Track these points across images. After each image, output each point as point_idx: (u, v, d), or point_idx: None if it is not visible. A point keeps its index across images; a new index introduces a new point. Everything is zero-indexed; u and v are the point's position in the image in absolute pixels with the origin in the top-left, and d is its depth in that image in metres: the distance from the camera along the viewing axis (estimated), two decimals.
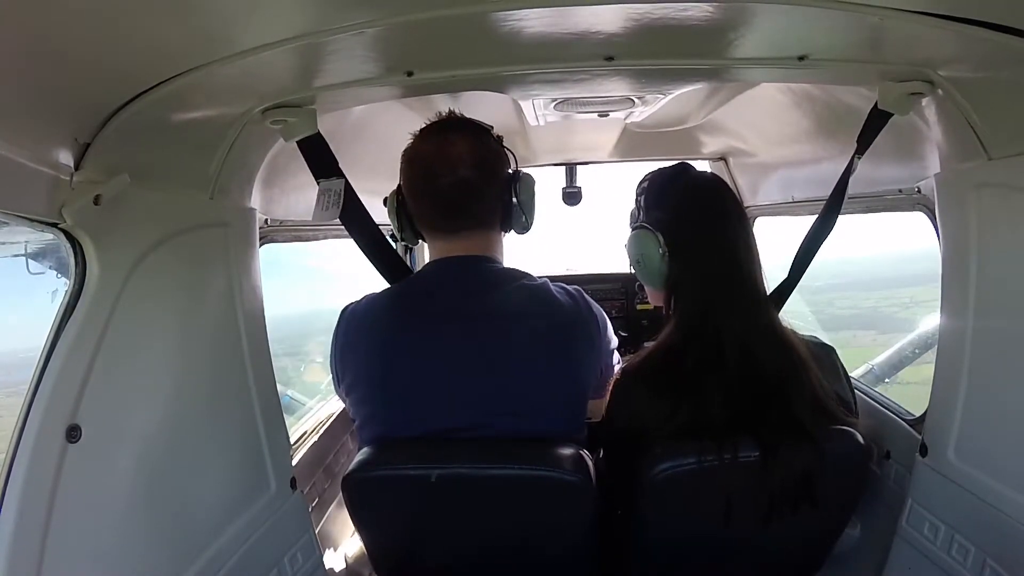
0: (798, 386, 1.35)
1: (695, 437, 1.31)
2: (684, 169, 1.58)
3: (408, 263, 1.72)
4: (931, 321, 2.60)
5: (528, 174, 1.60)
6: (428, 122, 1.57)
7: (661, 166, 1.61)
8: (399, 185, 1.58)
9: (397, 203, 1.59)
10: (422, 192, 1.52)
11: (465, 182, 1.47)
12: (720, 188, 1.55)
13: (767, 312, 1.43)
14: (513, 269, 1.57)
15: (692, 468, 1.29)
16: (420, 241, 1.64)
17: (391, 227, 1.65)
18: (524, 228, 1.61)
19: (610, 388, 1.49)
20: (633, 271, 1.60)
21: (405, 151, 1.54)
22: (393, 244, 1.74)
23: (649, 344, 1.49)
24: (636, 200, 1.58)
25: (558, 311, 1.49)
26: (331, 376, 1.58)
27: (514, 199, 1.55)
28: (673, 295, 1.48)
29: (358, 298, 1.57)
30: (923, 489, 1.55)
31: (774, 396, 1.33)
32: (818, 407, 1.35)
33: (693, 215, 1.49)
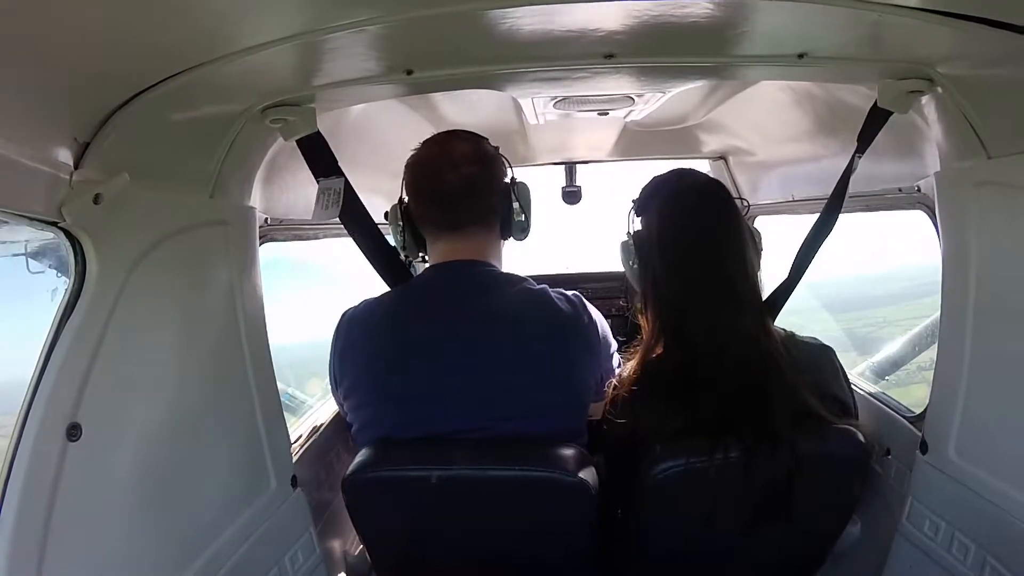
0: (776, 392, 1.34)
1: (693, 439, 1.31)
2: (669, 178, 1.55)
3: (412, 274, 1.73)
4: (909, 334, 2.62)
5: (524, 182, 1.64)
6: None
7: (659, 168, 1.60)
8: (400, 197, 1.60)
9: (400, 212, 1.61)
10: (425, 191, 1.55)
11: (468, 178, 1.51)
12: (700, 193, 1.51)
13: (749, 317, 1.41)
14: (512, 274, 1.58)
15: (691, 468, 1.29)
16: (422, 255, 1.65)
17: (393, 235, 1.66)
18: (523, 232, 1.64)
19: (610, 392, 1.49)
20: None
21: (408, 160, 1.57)
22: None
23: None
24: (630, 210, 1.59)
25: (557, 317, 1.49)
26: (329, 379, 1.59)
27: (515, 203, 1.59)
28: (650, 301, 1.48)
29: (356, 303, 1.57)
30: (923, 487, 1.55)
31: (752, 401, 1.33)
32: (801, 412, 1.35)
33: (670, 225, 1.47)
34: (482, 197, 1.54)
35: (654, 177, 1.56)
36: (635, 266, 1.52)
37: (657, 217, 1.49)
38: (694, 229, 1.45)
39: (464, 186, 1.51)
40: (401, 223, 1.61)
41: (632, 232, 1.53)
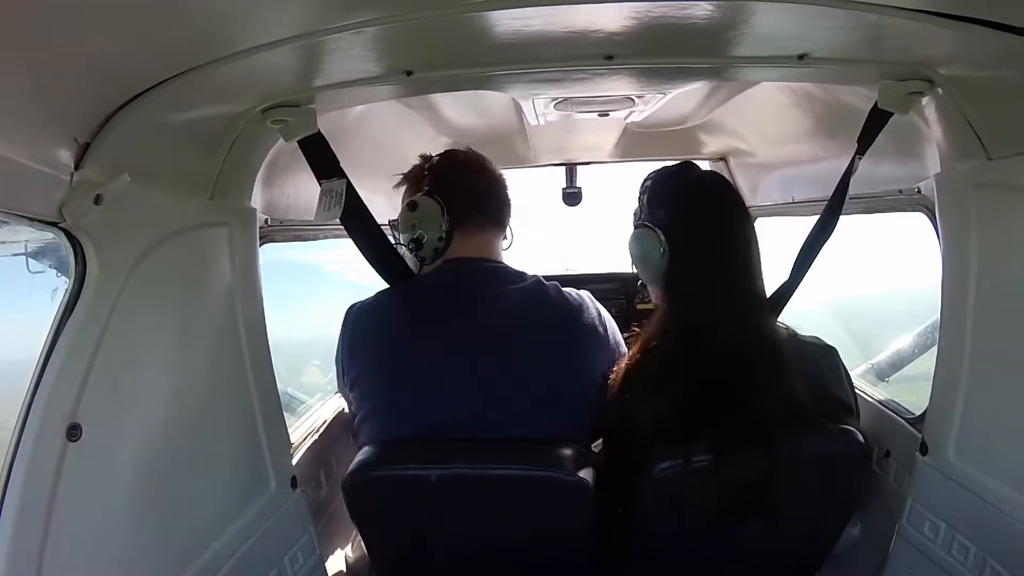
0: (775, 391, 1.35)
1: (692, 437, 1.31)
2: (686, 167, 1.60)
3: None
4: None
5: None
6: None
7: (663, 165, 1.62)
8: (425, 190, 1.60)
9: (443, 206, 1.59)
10: (450, 186, 1.61)
11: (491, 178, 1.68)
12: (721, 187, 1.56)
13: (759, 314, 1.43)
14: (522, 271, 1.60)
15: (690, 468, 1.30)
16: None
17: (407, 237, 1.63)
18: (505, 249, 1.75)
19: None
20: (635, 270, 1.61)
21: (434, 166, 1.65)
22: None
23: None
24: (639, 199, 1.59)
25: (565, 313, 1.51)
26: (336, 371, 1.61)
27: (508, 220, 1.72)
28: (668, 292, 1.48)
29: (364, 297, 1.59)
30: (923, 488, 1.55)
31: (751, 400, 1.34)
32: (799, 413, 1.35)
33: (693, 213, 1.49)
34: (499, 200, 1.67)
35: (663, 168, 1.60)
36: (643, 260, 1.53)
37: (673, 209, 1.51)
38: (711, 221, 1.47)
39: (488, 185, 1.66)
40: (447, 215, 1.58)
41: (642, 223, 1.54)
